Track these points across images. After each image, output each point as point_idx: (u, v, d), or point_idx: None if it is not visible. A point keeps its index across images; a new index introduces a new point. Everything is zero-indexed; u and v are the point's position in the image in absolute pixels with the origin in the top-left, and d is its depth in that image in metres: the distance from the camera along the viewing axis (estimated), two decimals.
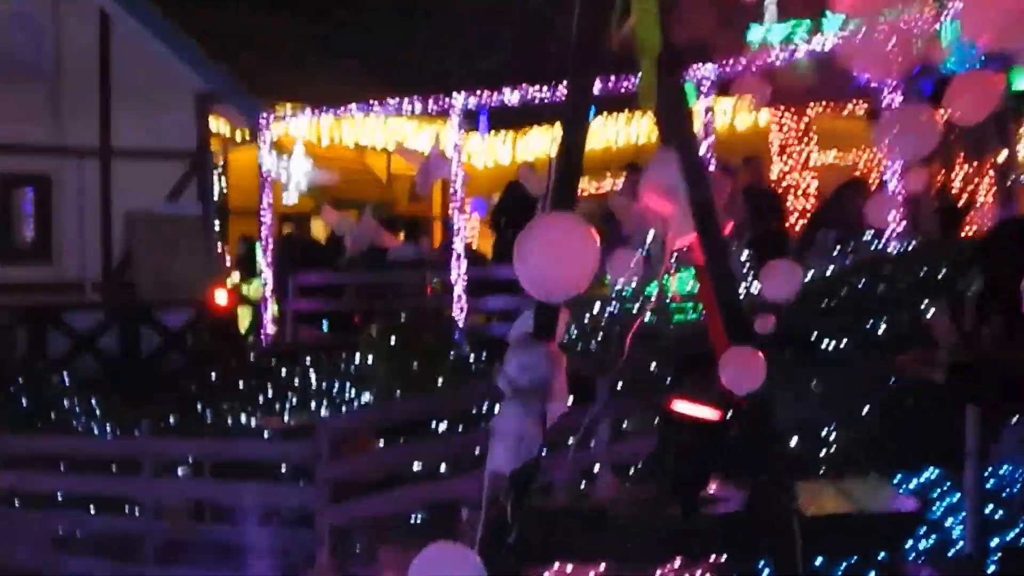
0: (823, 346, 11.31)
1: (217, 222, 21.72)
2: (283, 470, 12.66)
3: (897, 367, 9.51)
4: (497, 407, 6.33)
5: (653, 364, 11.81)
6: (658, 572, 8.40)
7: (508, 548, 6.34)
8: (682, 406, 7.09)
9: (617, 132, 23.72)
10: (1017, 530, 7.28)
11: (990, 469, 7.48)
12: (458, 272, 17.35)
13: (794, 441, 9.81)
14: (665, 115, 5.64)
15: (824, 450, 9.71)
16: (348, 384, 15.80)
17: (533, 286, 3.86)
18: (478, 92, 17.55)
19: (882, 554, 7.05)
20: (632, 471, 11.03)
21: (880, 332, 10.41)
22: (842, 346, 10.99)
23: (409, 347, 15.50)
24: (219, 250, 21.34)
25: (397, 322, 16.28)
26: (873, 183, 17.56)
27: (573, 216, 4.02)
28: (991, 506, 7.56)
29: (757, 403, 6.08)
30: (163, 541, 11.81)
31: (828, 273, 13.12)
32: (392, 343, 15.64)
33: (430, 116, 21.06)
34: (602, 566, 8.65)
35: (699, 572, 8.27)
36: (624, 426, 11.68)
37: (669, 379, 11.76)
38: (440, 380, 14.51)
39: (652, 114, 5.59)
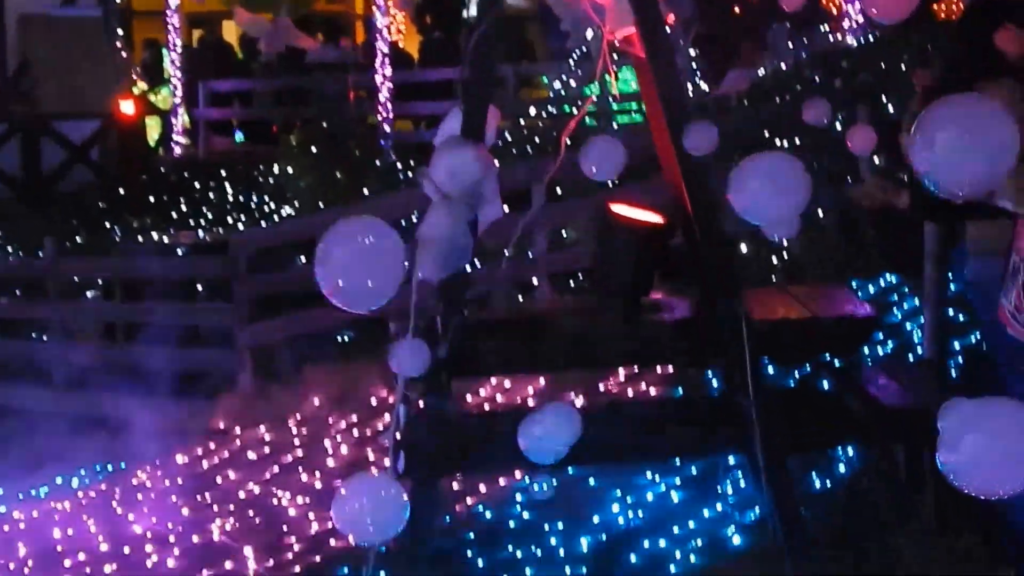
0: (776, 147, 11.24)
1: (119, 26, 21.20)
2: (199, 289, 12.58)
3: (856, 197, 9.49)
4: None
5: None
6: (601, 384, 8.43)
7: (439, 362, 6.31)
8: (624, 210, 7.02)
9: None
10: (978, 334, 7.32)
11: (950, 274, 7.49)
12: (383, 75, 17.08)
13: (744, 247, 9.80)
14: None
15: (776, 256, 9.71)
16: (267, 197, 15.65)
17: (335, 295, 3.72)
18: None
19: (837, 361, 7.08)
20: (572, 282, 11.02)
21: (838, 130, 10.32)
22: (796, 146, 10.92)
23: (332, 157, 15.34)
24: (123, 56, 20.86)
25: (318, 130, 16.09)
26: None
27: (378, 221, 3.87)
28: (951, 311, 7.59)
29: (705, 208, 6.02)
30: (73, 366, 11.73)
31: (782, 68, 13.01)
32: (313, 153, 15.47)
33: None
34: (542, 380, 8.68)
35: (644, 383, 8.31)
36: (563, 235, 11.64)
37: (611, 183, 11.71)
38: (366, 190, 14.39)
39: None
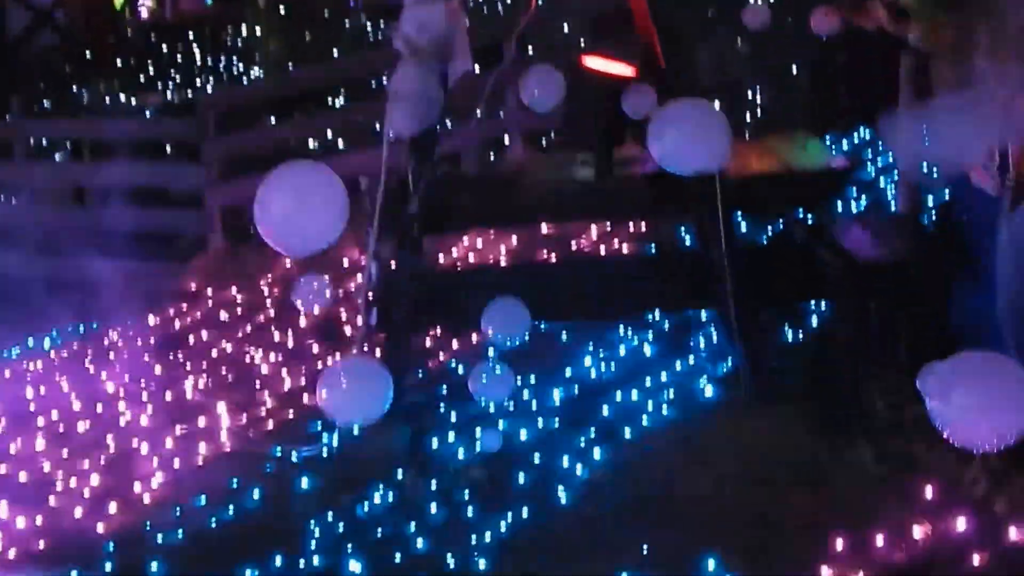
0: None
1: None
2: (168, 150, 12.44)
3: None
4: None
5: (566, 26, 11.58)
6: (573, 242, 8.39)
7: (410, 216, 6.27)
8: (595, 62, 6.94)
9: None
10: (951, 188, 7.27)
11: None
12: None
13: (717, 103, 9.72)
14: None
15: (749, 111, 9.65)
16: (235, 58, 15.47)
17: (276, 240, 3.61)
18: None
19: (811, 216, 7.05)
20: (544, 139, 10.93)
21: None
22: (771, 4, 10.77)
23: (300, 18, 15.15)
24: None
25: None
26: None
27: (324, 167, 3.77)
28: (925, 165, 7.54)
29: (678, 61, 5.95)
30: (43, 229, 11.62)
31: None
32: (281, 14, 15.28)
33: None
34: (514, 238, 8.63)
35: (617, 239, 8.27)
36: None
37: (583, 41, 11.57)
38: (336, 51, 14.23)
39: None
